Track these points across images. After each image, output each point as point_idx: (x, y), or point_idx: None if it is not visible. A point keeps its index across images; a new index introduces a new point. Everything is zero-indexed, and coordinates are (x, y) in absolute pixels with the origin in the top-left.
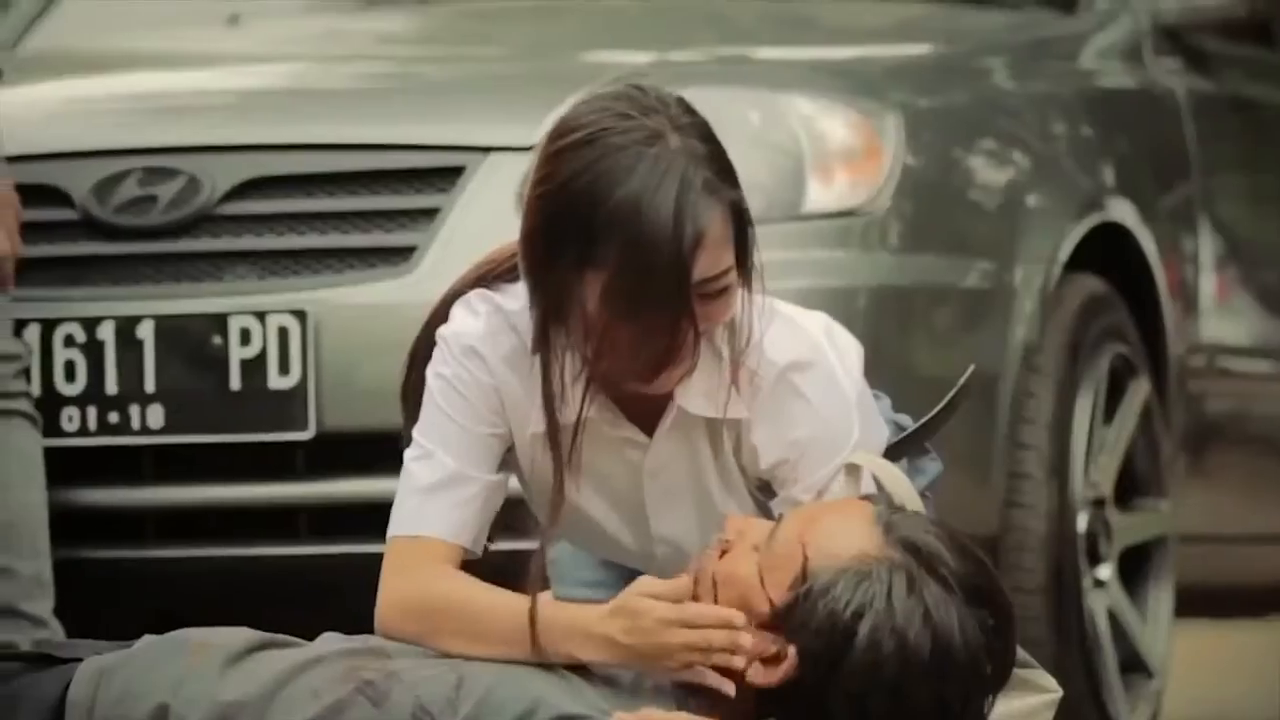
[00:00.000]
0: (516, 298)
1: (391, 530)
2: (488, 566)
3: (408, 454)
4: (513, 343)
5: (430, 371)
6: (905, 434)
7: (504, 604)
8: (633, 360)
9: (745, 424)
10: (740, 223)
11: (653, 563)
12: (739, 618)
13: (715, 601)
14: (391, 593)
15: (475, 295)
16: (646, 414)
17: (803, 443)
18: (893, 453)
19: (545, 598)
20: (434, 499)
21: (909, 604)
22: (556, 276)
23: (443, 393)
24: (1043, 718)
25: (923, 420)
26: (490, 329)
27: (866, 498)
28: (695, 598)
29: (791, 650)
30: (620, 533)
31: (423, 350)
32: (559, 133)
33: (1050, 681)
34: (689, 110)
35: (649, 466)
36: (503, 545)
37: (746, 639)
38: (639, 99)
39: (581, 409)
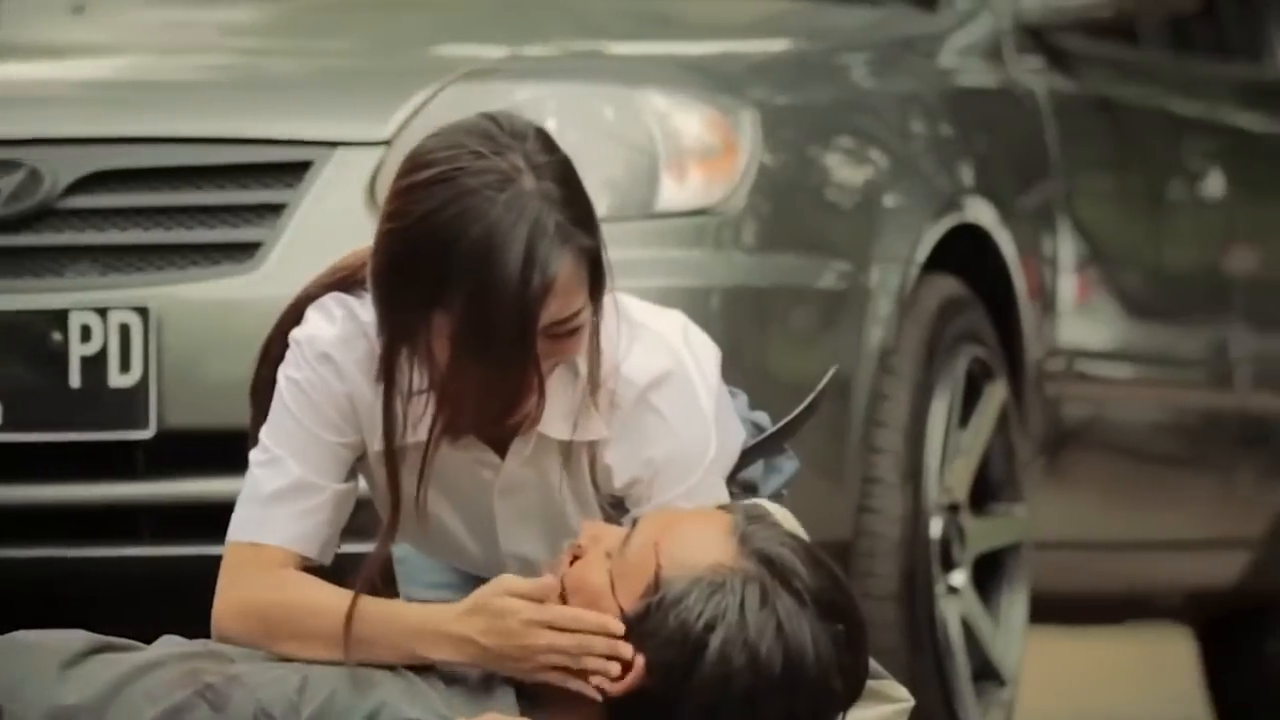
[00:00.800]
0: (371, 308)
1: (231, 535)
2: (335, 569)
3: (253, 456)
4: (366, 349)
5: (281, 374)
6: (764, 436)
7: (339, 606)
8: (479, 403)
9: (601, 443)
10: (595, 266)
11: (502, 572)
12: (616, 625)
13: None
14: (228, 597)
15: (331, 299)
16: (498, 433)
17: (658, 461)
18: (751, 454)
19: (393, 601)
20: (278, 507)
21: (761, 617)
22: (404, 315)
23: (294, 397)
24: None
25: (782, 422)
26: (345, 335)
27: (724, 507)
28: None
29: (640, 660)
30: (469, 544)
31: (274, 349)
32: (411, 168)
33: (901, 691)
34: (548, 147)
35: (500, 486)
36: (350, 548)
37: (626, 648)
38: (495, 135)
39: (430, 438)
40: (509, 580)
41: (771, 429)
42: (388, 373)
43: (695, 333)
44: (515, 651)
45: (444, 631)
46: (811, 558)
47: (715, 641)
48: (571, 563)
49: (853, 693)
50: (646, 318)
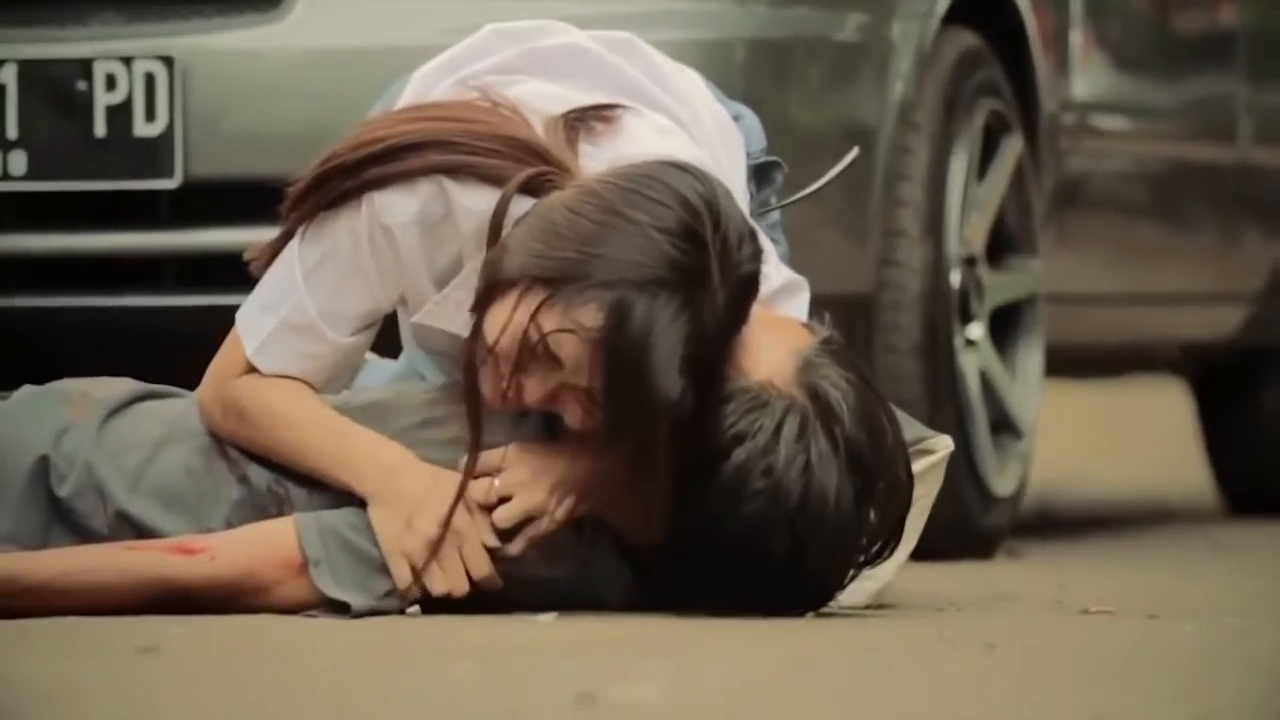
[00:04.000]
0: (474, 196)
1: (238, 325)
2: None
3: (298, 251)
4: (438, 226)
5: (345, 225)
6: (780, 204)
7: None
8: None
9: None
10: None
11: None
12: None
13: None
14: (213, 387)
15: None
16: None
17: None
18: (762, 212)
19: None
20: (284, 337)
21: (793, 449)
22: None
23: (342, 246)
24: (934, 476)
25: (796, 197)
26: (422, 215)
27: (809, 327)
28: None
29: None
30: None
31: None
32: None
33: (942, 440)
34: (749, 247)
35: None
36: None
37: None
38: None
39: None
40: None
41: (788, 200)
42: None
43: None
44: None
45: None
46: (864, 409)
47: (740, 455)
48: None
49: (875, 550)
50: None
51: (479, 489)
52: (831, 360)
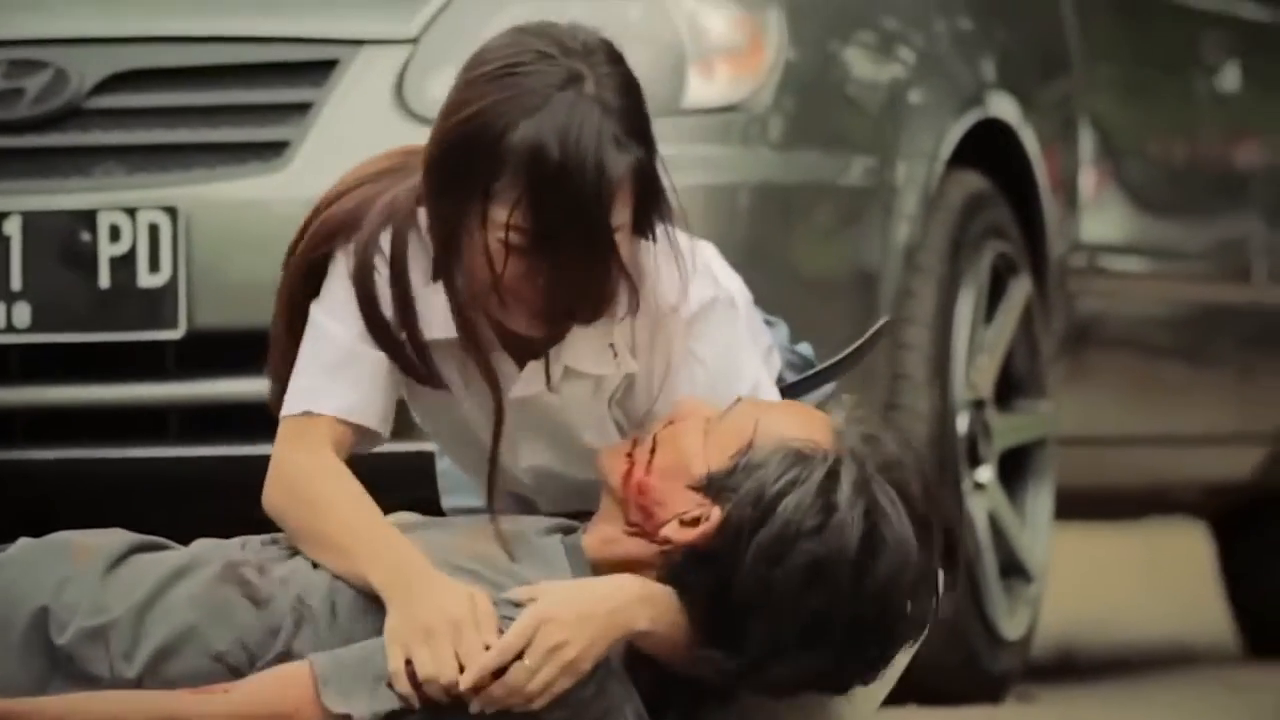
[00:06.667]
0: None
1: (285, 408)
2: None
3: (309, 332)
4: (419, 246)
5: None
6: (809, 374)
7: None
8: (552, 296)
9: (633, 373)
10: (645, 183)
11: (522, 485)
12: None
13: (650, 462)
14: (272, 475)
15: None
16: (520, 342)
17: (696, 392)
18: (795, 389)
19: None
20: (331, 376)
21: (853, 490)
22: (459, 205)
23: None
24: None
25: (827, 364)
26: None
27: (825, 408)
28: (630, 459)
29: (715, 512)
30: (484, 437)
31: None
32: (474, 63)
33: None
34: (614, 59)
35: (515, 395)
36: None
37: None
38: (562, 40)
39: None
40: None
41: (816, 369)
42: (446, 266)
43: (724, 266)
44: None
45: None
46: (910, 459)
47: (788, 504)
48: (666, 425)
49: (920, 625)
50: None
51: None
52: (868, 422)
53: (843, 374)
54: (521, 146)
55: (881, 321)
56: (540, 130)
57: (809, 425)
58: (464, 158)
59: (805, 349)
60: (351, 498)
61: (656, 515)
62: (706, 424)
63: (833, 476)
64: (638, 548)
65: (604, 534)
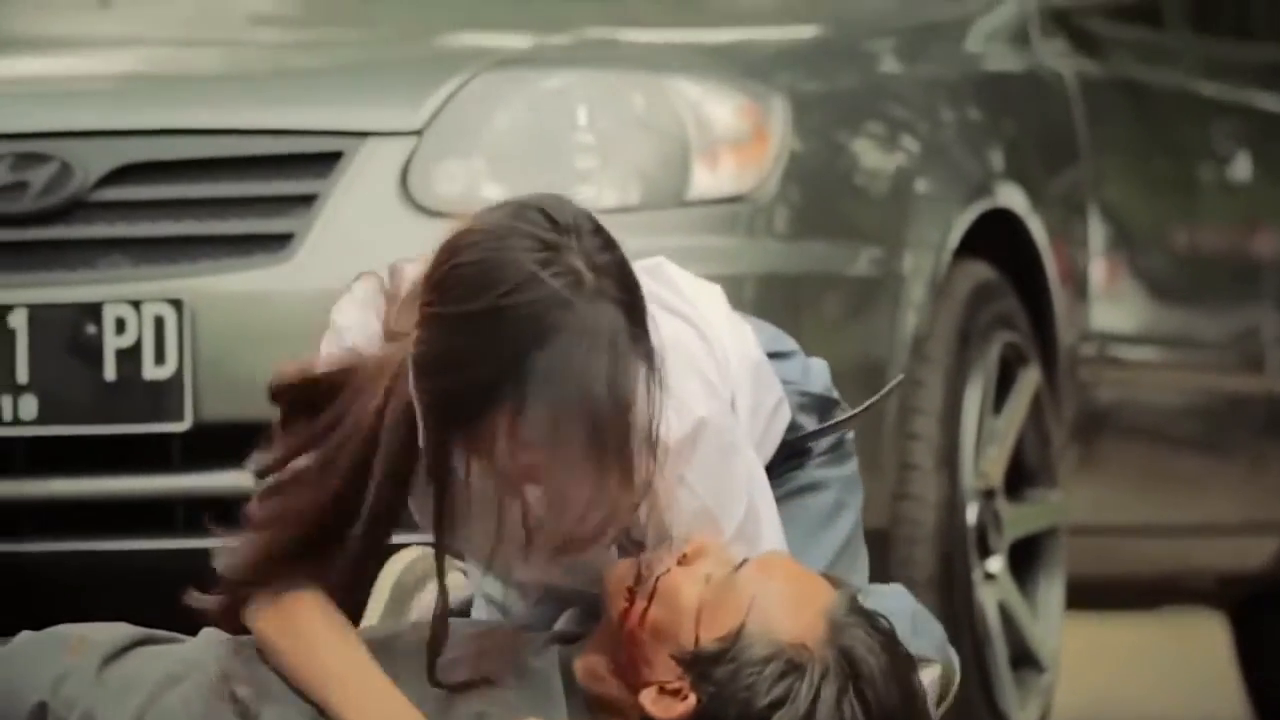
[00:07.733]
0: None
1: None
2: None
3: None
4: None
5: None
6: (824, 426)
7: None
8: (584, 513)
9: None
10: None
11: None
12: None
13: (646, 613)
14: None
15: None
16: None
17: (684, 525)
18: (807, 440)
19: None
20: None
21: (832, 714)
22: (461, 409)
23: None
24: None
25: (842, 418)
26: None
27: (832, 580)
28: (630, 590)
29: (693, 699)
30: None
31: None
32: (455, 252)
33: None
34: (606, 243)
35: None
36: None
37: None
38: (546, 229)
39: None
40: None
41: (830, 422)
42: (440, 466)
43: (730, 315)
44: None
45: None
46: (895, 671)
47: None
48: (677, 562)
49: None
50: (679, 303)
51: None
52: (860, 619)
53: (856, 424)
54: (549, 364)
55: (899, 379)
56: (566, 346)
57: (803, 614)
58: (470, 361)
59: (819, 370)
60: (341, 636)
61: (642, 673)
62: (708, 580)
63: (820, 699)
64: (620, 694)
65: (594, 667)
